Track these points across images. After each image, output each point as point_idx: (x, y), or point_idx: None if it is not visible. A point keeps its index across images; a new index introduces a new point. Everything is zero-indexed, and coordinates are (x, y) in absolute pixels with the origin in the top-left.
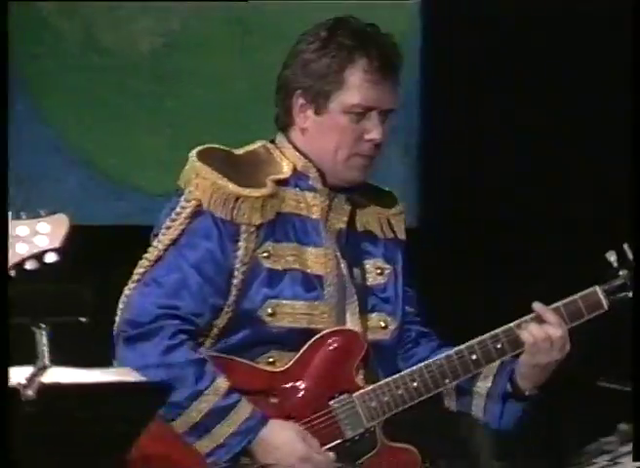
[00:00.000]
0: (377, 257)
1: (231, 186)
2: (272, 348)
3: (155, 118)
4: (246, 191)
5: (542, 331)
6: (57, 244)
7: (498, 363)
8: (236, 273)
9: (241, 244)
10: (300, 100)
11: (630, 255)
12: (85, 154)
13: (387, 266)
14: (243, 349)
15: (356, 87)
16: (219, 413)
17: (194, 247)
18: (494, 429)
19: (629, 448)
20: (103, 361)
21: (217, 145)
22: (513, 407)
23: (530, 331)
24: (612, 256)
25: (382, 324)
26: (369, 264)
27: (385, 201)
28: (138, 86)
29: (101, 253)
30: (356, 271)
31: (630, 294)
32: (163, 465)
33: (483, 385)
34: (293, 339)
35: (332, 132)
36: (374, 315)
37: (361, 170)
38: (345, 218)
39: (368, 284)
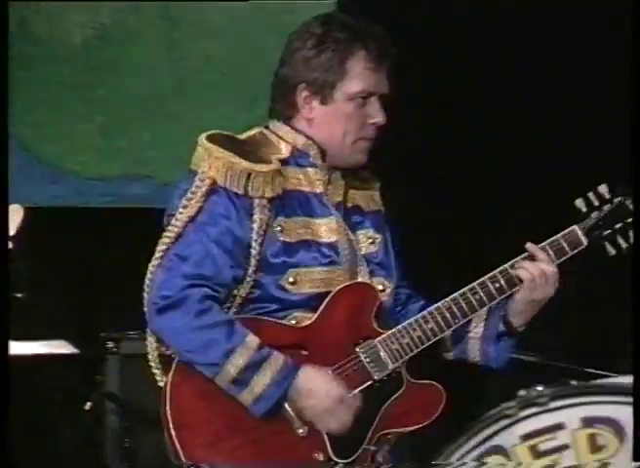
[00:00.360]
0: (367, 228)
1: (244, 163)
2: (294, 312)
3: (88, 106)
4: (257, 166)
5: (538, 268)
6: (11, 232)
7: (486, 310)
8: (254, 244)
9: (256, 217)
10: (305, 93)
11: (597, 202)
12: (22, 140)
13: (378, 236)
14: (266, 315)
15: (357, 75)
16: (253, 367)
17: (213, 222)
18: (491, 368)
19: (527, 412)
20: (38, 334)
21: (220, 131)
22: (505, 344)
23: (527, 269)
24: (581, 203)
25: (381, 287)
26: (361, 235)
27: (367, 177)
28: (71, 76)
29: (37, 232)
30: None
31: (605, 233)
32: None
33: (477, 330)
34: (312, 303)
35: (339, 119)
36: (373, 279)
37: (365, 152)
38: (342, 192)
39: (362, 253)
